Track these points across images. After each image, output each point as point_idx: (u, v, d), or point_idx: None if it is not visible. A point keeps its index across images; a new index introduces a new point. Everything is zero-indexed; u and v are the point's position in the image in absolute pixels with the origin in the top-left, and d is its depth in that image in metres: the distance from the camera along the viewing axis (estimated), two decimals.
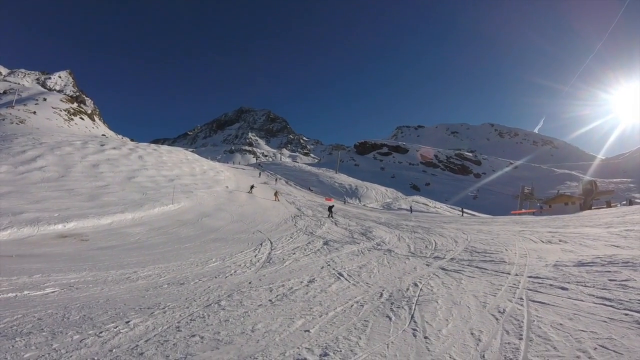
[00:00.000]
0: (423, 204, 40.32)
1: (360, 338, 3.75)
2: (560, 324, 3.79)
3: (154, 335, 3.75)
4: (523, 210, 46.52)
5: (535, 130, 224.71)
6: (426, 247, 10.56)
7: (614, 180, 78.96)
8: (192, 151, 67.88)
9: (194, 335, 3.76)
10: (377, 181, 57.12)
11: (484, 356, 3.24)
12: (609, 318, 3.84)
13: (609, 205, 39.25)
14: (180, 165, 32.76)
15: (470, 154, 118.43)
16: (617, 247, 8.17)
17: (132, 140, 64.29)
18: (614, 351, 3.08)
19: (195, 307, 4.83)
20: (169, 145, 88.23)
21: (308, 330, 3.96)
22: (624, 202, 42.91)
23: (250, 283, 6.40)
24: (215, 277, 6.88)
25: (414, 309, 4.68)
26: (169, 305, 4.83)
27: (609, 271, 5.68)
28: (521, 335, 3.60)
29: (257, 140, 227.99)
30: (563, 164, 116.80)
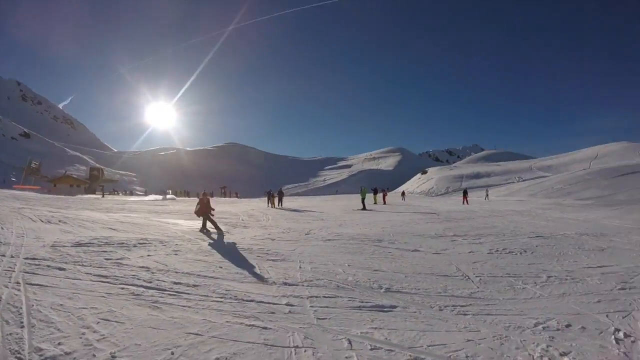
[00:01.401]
0: None
1: None
2: (61, 305, 3.73)
3: None
4: (27, 186, 43.60)
5: (60, 106, 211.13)
6: None
7: (121, 171, 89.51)
8: None
9: None
10: None
11: None
12: (107, 293, 4.20)
13: (110, 193, 45.23)
14: None
15: None
16: (114, 230, 9.09)
17: None
18: (116, 322, 3.43)
19: None
20: None
21: None
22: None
23: None
24: None
25: None
26: None
27: (105, 251, 6.27)
28: (22, 322, 3.24)
29: None
30: (78, 147, 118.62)
